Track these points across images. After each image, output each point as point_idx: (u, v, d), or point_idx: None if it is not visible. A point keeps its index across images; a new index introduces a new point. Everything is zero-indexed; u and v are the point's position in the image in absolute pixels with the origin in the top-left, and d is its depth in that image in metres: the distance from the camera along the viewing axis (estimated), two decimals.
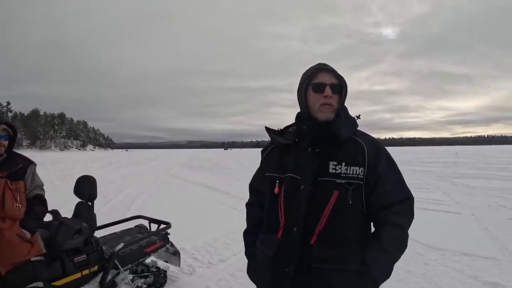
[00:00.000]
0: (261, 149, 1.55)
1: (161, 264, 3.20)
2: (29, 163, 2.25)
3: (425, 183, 10.92)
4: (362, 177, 1.26)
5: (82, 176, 2.79)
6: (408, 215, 1.30)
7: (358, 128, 1.36)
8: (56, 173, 15.75)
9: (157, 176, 14.46)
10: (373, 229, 1.35)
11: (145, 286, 2.95)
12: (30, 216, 2.12)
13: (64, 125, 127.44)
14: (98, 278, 2.52)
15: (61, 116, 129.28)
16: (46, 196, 2.34)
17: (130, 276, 2.82)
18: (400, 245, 1.27)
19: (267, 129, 1.45)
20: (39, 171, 2.36)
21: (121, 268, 2.60)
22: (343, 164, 1.26)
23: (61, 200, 5.99)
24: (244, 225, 1.60)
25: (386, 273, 1.25)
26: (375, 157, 1.28)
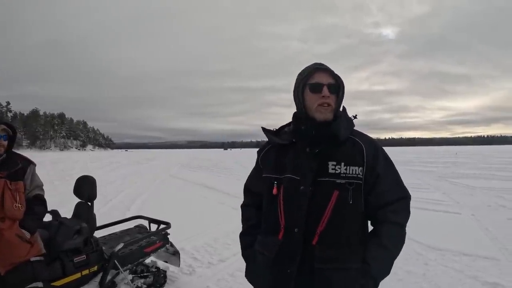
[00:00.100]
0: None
1: (160, 264, 3.20)
2: (29, 163, 2.24)
3: (425, 183, 10.93)
4: (361, 176, 1.27)
5: (82, 176, 2.79)
6: (405, 213, 1.33)
7: (355, 128, 1.36)
8: (55, 173, 15.74)
9: (156, 176, 14.46)
10: (370, 227, 1.37)
11: (144, 286, 2.95)
12: (29, 216, 2.12)
13: (64, 125, 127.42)
14: (97, 278, 2.52)
15: (61, 116, 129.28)
16: (46, 196, 2.34)
17: (130, 276, 2.82)
18: (399, 242, 1.30)
19: (264, 129, 1.44)
20: (39, 171, 2.35)
21: (120, 268, 2.60)
22: (342, 164, 1.26)
23: (61, 200, 6.00)
24: None
25: (386, 270, 1.27)
26: (374, 157, 1.30)
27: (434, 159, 28.94)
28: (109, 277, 2.56)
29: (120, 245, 2.63)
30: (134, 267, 2.90)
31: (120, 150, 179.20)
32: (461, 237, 4.60)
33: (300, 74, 1.34)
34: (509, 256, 3.85)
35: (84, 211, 2.64)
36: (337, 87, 1.30)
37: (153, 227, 3.27)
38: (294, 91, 1.35)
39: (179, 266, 3.23)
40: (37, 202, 2.23)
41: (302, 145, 1.32)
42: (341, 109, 1.36)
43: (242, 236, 1.56)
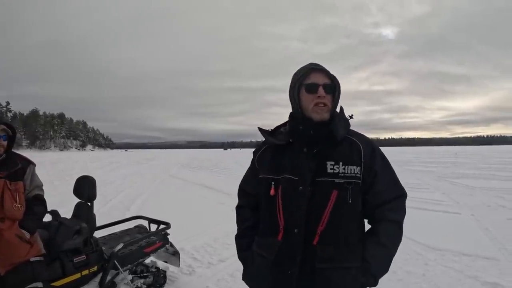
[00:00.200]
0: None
1: (160, 264, 3.20)
2: (28, 163, 2.24)
3: (424, 183, 10.94)
4: (359, 176, 1.28)
5: (82, 176, 2.78)
6: (402, 211, 1.35)
7: (351, 128, 1.37)
8: (55, 173, 15.73)
9: (156, 176, 14.45)
10: (368, 226, 1.38)
11: (144, 286, 2.95)
12: (29, 216, 2.12)
13: (63, 125, 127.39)
14: (97, 279, 2.52)
15: (61, 116, 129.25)
16: (46, 196, 2.34)
17: (130, 277, 2.82)
18: (397, 240, 1.32)
19: (260, 129, 1.44)
20: (39, 171, 2.35)
21: (120, 269, 2.60)
22: (341, 163, 1.27)
23: (61, 200, 5.99)
24: None
25: (385, 268, 1.29)
26: (371, 156, 1.31)
27: (434, 159, 28.96)
28: (109, 277, 2.56)
29: (120, 245, 2.63)
30: (134, 267, 2.89)
31: (120, 150, 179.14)
32: (460, 237, 4.60)
33: (295, 74, 1.34)
34: (509, 256, 3.85)
35: (84, 211, 2.64)
36: (333, 87, 1.31)
37: (153, 227, 3.26)
38: (289, 91, 1.35)
39: (179, 266, 3.23)
40: (37, 202, 2.23)
41: (299, 145, 1.32)
42: (338, 109, 1.36)
43: (238, 238, 1.54)
